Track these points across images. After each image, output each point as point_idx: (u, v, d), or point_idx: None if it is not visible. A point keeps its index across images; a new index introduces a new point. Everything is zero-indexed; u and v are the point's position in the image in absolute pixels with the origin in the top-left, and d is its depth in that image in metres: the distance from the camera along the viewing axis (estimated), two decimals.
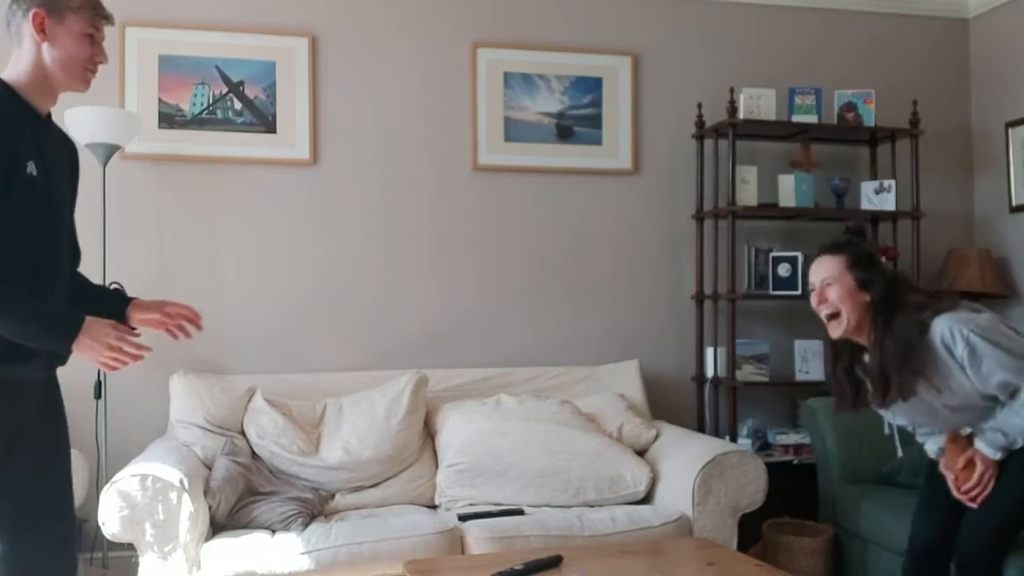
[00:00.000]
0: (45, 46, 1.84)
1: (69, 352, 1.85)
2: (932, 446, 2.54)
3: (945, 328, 2.26)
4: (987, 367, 2.23)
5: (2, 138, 1.78)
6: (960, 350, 2.24)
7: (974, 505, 2.35)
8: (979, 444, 2.36)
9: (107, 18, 1.93)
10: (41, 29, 1.84)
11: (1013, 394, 2.25)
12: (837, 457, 3.33)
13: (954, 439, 2.43)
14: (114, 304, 2.14)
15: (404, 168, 3.82)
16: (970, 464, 2.35)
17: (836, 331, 2.40)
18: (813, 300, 2.43)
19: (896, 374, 2.29)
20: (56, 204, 1.92)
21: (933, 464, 2.54)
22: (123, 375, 3.42)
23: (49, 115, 1.96)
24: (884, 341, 2.31)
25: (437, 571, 2.36)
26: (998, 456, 2.33)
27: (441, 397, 3.51)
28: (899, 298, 2.36)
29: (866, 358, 2.44)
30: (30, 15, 1.83)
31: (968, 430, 2.43)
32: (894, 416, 2.51)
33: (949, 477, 2.41)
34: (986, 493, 2.33)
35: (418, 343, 3.78)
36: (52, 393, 2.07)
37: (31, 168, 1.81)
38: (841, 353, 2.49)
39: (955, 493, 2.39)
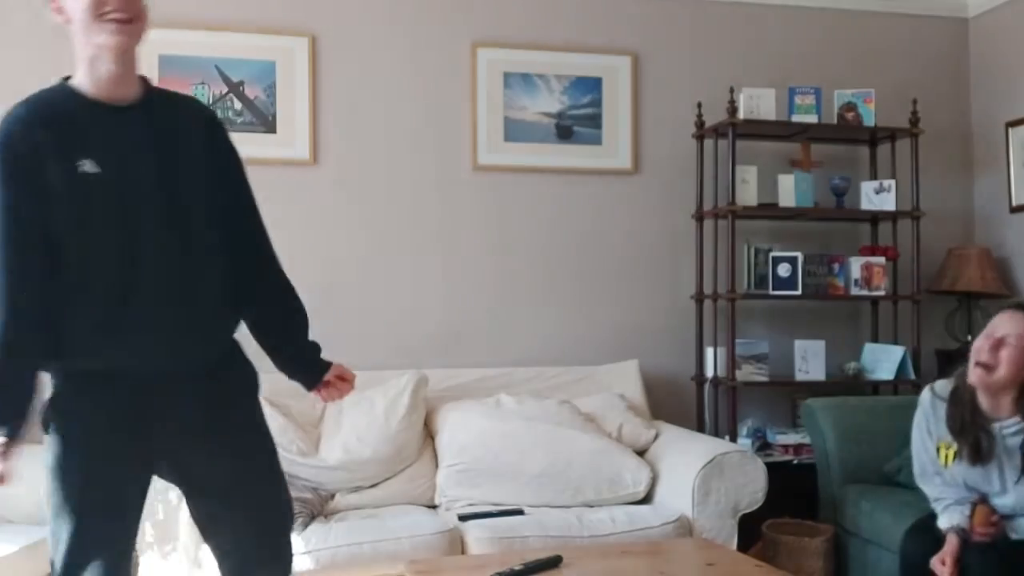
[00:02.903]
0: (70, 25, 1.68)
1: None
2: (949, 519, 2.49)
3: None
4: None
5: (28, 146, 1.63)
6: None
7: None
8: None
9: None
10: (58, 10, 1.70)
11: None
12: (837, 457, 3.33)
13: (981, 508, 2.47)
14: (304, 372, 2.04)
15: (404, 168, 3.82)
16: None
17: (981, 380, 2.37)
18: (981, 343, 2.37)
19: None
20: (133, 206, 1.70)
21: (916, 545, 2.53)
22: None
23: (148, 99, 1.77)
24: None
25: (437, 571, 2.37)
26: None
27: (441, 397, 3.51)
28: None
29: (997, 423, 2.43)
30: (49, 6, 1.70)
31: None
32: (964, 476, 2.51)
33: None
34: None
35: (418, 343, 3.78)
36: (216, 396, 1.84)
37: (87, 165, 1.66)
38: (976, 401, 2.45)
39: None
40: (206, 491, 1.86)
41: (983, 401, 2.43)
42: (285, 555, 1.94)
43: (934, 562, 2.39)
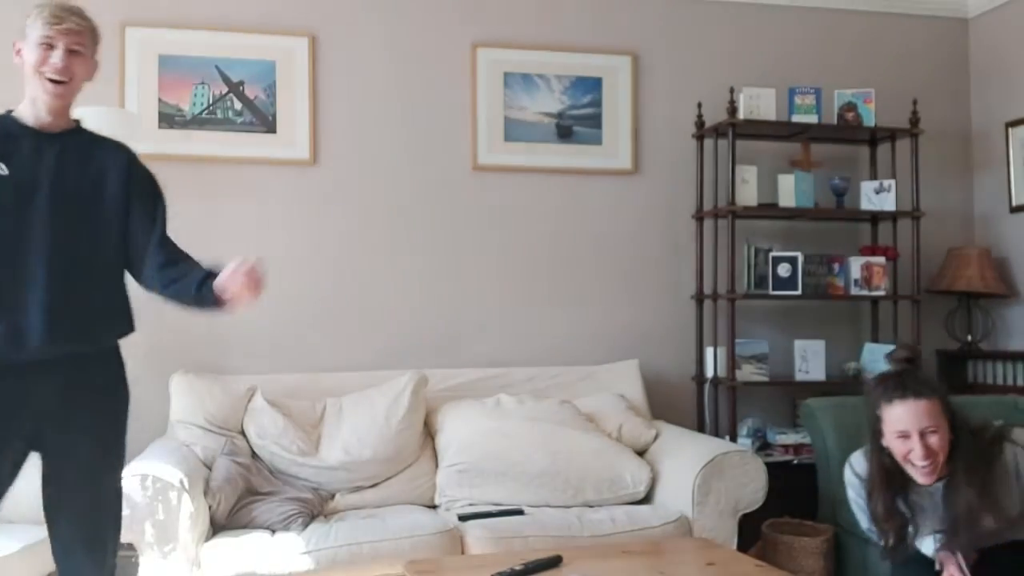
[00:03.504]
0: (24, 68, 2.08)
1: None
2: (933, 543, 2.39)
3: (1019, 451, 2.27)
4: None
5: None
6: None
7: None
8: None
9: (61, 23, 2.04)
10: (18, 53, 2.09)
11: None
12: (837, 457, 3.32)
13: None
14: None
15: (404, 168, 3.82)
16: None
17: (930, 477, 2.25)
18: (906, 447, 2.22)
19: (978, 521, 2.24)
20: (35, 205, 2.05)
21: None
22: None
23: (72, 131, 2.15)
24: (971, 480, 2.24)
25: (437, 571, 2.37)
26: None
27: (441, 397, 3.51)
28: (971, 427, 2.30)
29: (939, 482, 2.32)
30: (13, 49, 2.10)
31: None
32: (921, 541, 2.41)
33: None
34: None
35: (418, 343, 3.78)
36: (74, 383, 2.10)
37: (1, 169, 2.04)
38: (892, 483, 2.33)
39: None
40: (52, 478, 2.11)
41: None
42: (106, 551, 2.17)
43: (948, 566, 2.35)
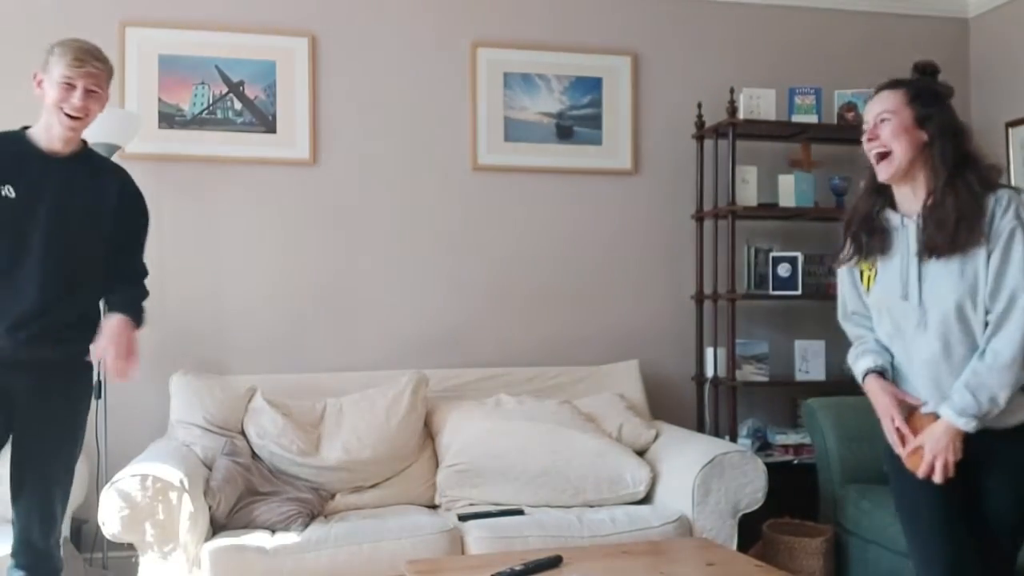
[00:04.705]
0: (43, 99, 2.32)
1: None
2: (863, 363, 2.28)
3: (1005, 198, 2.00)
4: (1015, 261, 1.97)
5: None
6: (1007, 223, 1.98)
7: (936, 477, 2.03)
8: (944, 412, 2.01)
9: (82, 66, 2.26)
10: (39, 84, 2.32)
11: (1007, 308, 1.98)
12: (837, 457, 3.33)
13: (914, 416, 2.13)
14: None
15: (404, 168, 3.82)
16: (918, 450, 2.06)
17: (885, 172, 2.11)
18: (865, 140, 2.15)
19: (956, 222, 1.99)
20: (35, 224, 2.28)
21: (900, 483, 2.18)
22: None
23: (77, 155, 2.38)
24: (951, 186, 2.03)
25: (437, 571, 2.37)
26: (966, 426, 1.97)
27: (441, 397, 3.51)
28: (963, 146, 2.11)
29: (903, 209, 2.14)
30: (34, 80, 2.33)
31: (930, 406, 2.09)
32: (881, 302, 2.23)
33: (896, 441, 2.13)
34: (939, 470, 2.02)
35: (418, 343, 3.78)
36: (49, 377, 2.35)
37: (6, 191, 2.27)
38: (879, 193, 2.17)
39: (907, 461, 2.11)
40: (17, 462, 2.36)
41: (900, 203, 2.17)
42: (56, 521, 2.41)
43: (893, 440, 2.13)
